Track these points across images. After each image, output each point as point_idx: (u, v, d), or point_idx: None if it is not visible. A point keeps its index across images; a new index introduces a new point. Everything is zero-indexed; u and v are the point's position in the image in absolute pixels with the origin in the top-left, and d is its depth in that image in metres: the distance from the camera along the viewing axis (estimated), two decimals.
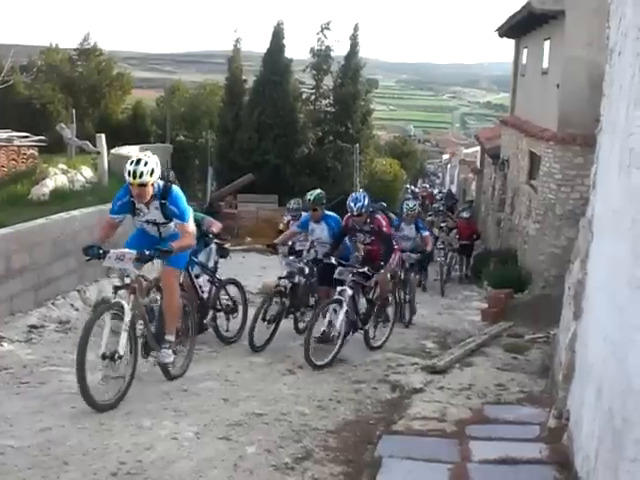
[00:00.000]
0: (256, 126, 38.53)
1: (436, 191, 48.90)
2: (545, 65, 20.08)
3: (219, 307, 10.16)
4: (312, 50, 41.34)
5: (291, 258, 10.59)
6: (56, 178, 25.66)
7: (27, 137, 30.24)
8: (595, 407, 4.14)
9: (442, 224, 23.09)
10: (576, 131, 16.34)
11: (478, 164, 37.84)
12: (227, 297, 10.35)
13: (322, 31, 41.28)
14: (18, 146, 29.08)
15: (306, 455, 5.43)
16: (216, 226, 10.47)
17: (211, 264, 10.26)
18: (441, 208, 30.04)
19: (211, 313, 9.84)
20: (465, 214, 24.05)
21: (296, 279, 10.25)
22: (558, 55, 18.15)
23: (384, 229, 9.86)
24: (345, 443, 5.73)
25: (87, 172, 27.59)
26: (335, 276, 9.30)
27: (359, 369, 8.53)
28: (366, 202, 9.57)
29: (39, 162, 28.72)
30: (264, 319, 9.75)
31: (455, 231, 22.52)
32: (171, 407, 6.53)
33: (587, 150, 14.76)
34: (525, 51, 24.55)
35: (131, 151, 33.13)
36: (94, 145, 28.73)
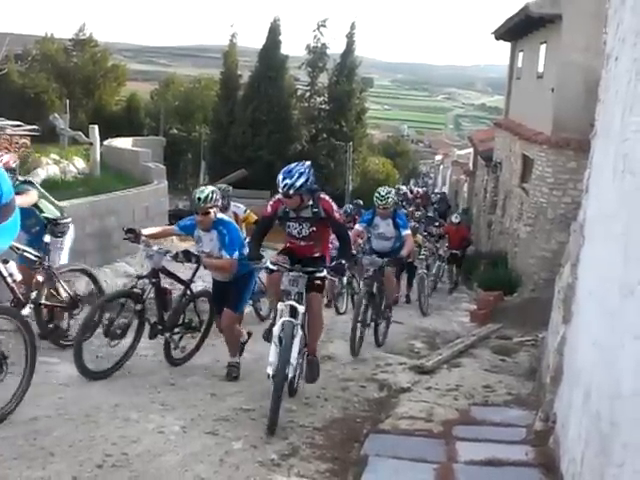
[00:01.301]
0: (250, 121, 38.61)
1: (430, 192, 47.99)
2: (541, 69, 20.15)
3: (47, 302, 8.19)
4: (308, 47, 41.52)
5: (155, 248, 7.82)
6: (48, 168, 25.58)
7: (20, 126, 30.12)
8: (582, 411, 4.15)
9: (425, 232, 21.14)
10: (570, 135, 16.41)
11: (471, 166, 37.93)
12: (65, 289, 8.47)
13: (318, 28, 41.48)
14: (10, 135, 28.96)
15: (292, 452, 5.43)
16: (25, 199, 7.68)
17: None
18: (429, 214, 28.52)
19: (28, 309, 7.48)
20: (454, 219, 22.01)
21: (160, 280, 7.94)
22: (554, 59, 18.21)
23: (336, 214, 6.96)
24: (332, 441, 5.73)
25: (79, 163, 27.55)
26: (285, 287, 6.65)
27: (347, 367, 8.53)
28: (302, 179, 6.55)
29: (31, 151, 28.61)
30: (106, 333, 7.34)
31: (445, 237, 21.08)
32: (158, 401, 6.51)
33: (580, 155, 14.84)
34: (521, 54, 24.61)
35: (124, 143, 33.17)
36: (87, 136, 28.67)
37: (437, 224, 24.26)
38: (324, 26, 41.43)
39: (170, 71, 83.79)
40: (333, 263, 6.84)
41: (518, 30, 22.17)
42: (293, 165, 6.72)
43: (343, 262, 6.72)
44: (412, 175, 78.70)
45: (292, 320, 6.35)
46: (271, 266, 6.72)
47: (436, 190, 60.14)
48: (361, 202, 23.36)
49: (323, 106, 42.18)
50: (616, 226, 3.75)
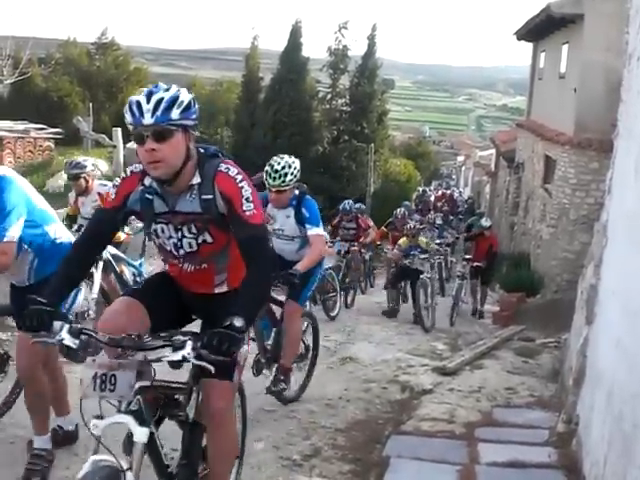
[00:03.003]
0: (272, 124, 38.58)
1: (456, 194, 45.55)
2: (563, 69, 20.04)
3: None
4: (329, 49, 41.37)
5: None
6: None
7: (44, 129, 30.43)
8: (605, 412, 4.13)
9: (438, 240, 18.34)
10: (592, 136, 16.31)
11: (493, 167, 37.72)
12: None
13: (340, 30, 41.31)
14: (35, 138, 29.30)
15: (314, 453, 5.44)
16: None
17: None
18: (439, 221, 23.47)
19: None
20: (484, 222, 17.37)
21: None
22: (576, 59, 18.10)
23: (245, 206, 3.44)
24: (353, 442, 5.74)
25: (103, 165, 27.78)
26: (87, 393, 3.22)
27: (369, 369, 8.52)
28: (181, 96, 3.66)
29: (55, 154, 28.94)
30: None
31: (468, 245, 17.62)
32: None
33: (603, 155, 14.75)
34: (543, 55, 24.50)
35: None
36: (110, 139, 28.90)
37: (448, 234, 22.23)
38: (345, 28, 41.29)
39: (192, 74, 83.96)
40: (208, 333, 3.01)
41: (540, 30, 22.07)
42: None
43: (236, 327, 2.99)
44: (434, 176, 78.36)
45: (110, 462, 3.06)
46: (68, 339, 3.12)
47: (461, 189, 59.24)
48: (409, 204, 21.92)
49: (344, 108, 42.05)
50: (639, 227, 3.74)
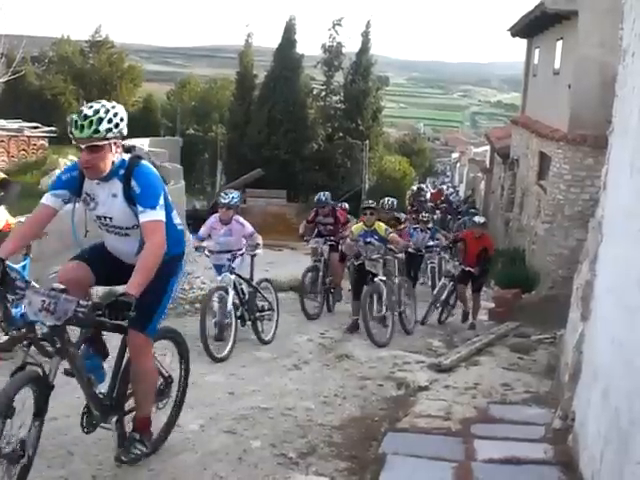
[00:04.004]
0: (266, 121, 38.62)
1: (445, 188, 45.21)
2: (557, 65, 20.05)
3: None
4: (323, 46, 41.47)
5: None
6: None
7: (37, 128, 30.35)
8: (601, 408, 4.13)
9: (431, 243, 16.03)
10: (587, 132, 16.31)
11: (487, 163, 37.72)
12: None
13: (334, 27, 41.41)
14: (28, 136, 29.21)
15: (310, 450, 5.43)
16: None
17: None
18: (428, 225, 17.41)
19: None
20: (477, 219, 15.08)
21: None
22: (570, 55, 18.10)
23: None
24: (350, 439, 5.73)
25: None
26: None
27: (365, 366, 8.52)
28: None
29: (49, 153, 28.87)
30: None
31: (459, 245, 14.47)
32: None
33: (597, 151, 14.73)
34: (537, 51, 24.51)
35: (141, 144, 33.29)
36: None
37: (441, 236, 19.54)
38: (339, 25, 41.39)
39: (186, 72, 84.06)
40: None
41: (534, 27, 22.07)
42: None
43: None
44: (429, 173, 78.35)
45: None
46: None
47: (456, 187, 58.95)
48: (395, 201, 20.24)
49: (339, 105, 42.11)
50: (634, 223, 3.73)
